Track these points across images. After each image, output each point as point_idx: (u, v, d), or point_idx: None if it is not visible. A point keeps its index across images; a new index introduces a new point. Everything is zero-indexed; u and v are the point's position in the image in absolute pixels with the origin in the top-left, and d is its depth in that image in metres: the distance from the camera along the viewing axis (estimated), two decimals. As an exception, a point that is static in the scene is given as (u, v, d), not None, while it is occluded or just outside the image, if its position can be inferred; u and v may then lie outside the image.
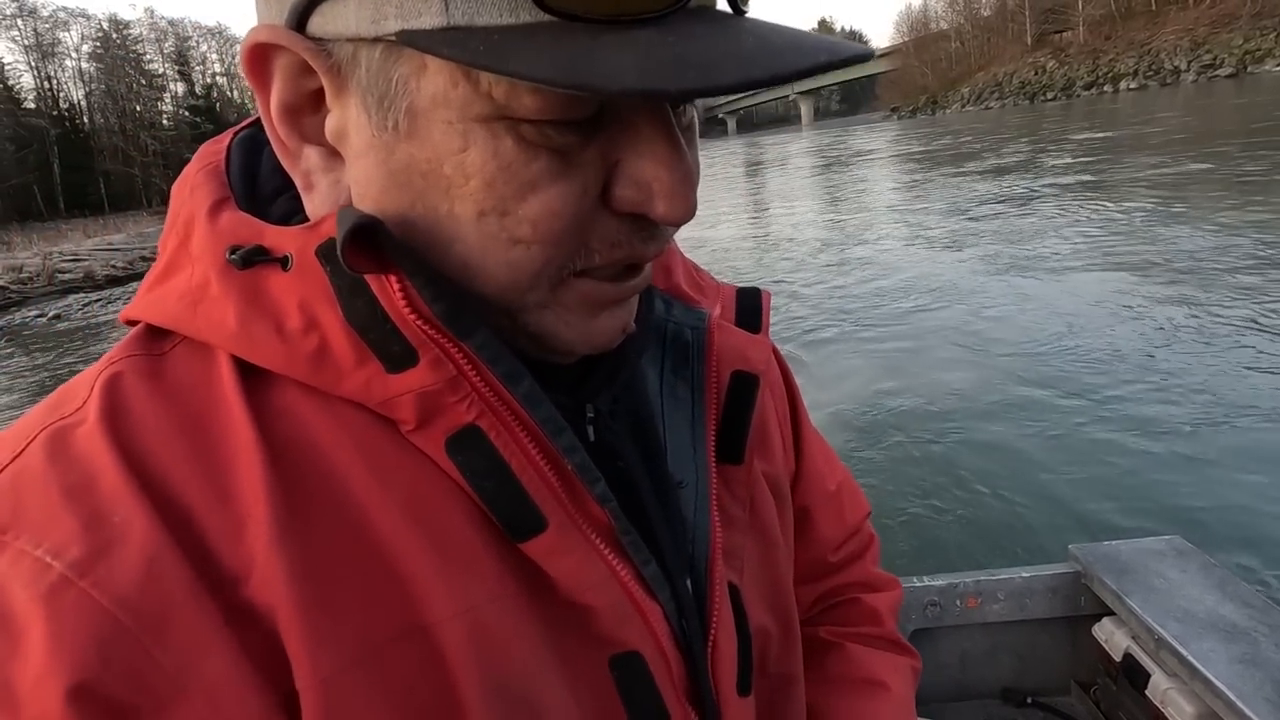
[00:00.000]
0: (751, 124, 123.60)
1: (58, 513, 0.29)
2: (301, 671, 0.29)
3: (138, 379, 0.33)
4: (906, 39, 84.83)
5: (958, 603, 1.62)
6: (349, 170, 0.33)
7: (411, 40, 0.28)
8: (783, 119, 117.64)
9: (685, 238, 0.51)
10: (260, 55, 0.32)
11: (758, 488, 0.49)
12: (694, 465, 0.43)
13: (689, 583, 0.41)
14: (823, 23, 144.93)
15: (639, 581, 0.37)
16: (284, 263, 0.33)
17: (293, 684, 0.29)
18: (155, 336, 0.35)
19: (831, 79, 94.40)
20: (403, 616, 0.31)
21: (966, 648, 1.67)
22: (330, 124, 0.33)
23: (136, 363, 0.34)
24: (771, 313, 0.50)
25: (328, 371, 0.32)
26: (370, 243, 0.30)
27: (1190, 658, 1.23)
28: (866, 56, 0.28)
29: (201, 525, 0.30)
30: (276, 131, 0.33)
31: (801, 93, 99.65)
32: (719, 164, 34.37)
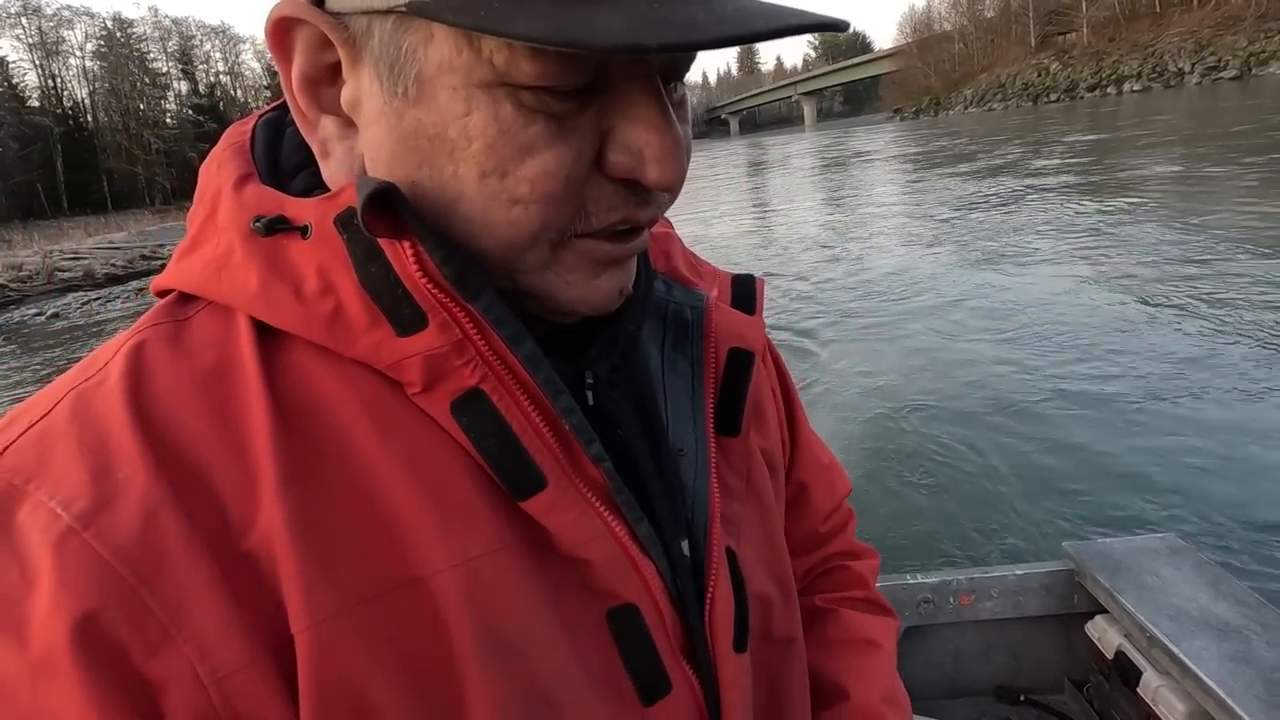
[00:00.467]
0: (755, 124, 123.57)
1: (71, 467, 0.31)
2: (297, 616, 0.30)
3: (159, 344, 0.35)
4: (910, 40, 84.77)
5: (951, 600, 1.62)
6: (362, 137, 0.35)
7: (419, 9, 0.30)
8: (786, 119, 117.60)
9: (684, 234, 0.54)
10: (283, 28, 0.34)
11: (754, 460, 0.51)
12: (694, 435, 0.46)
13: (686, 545, 0.43)
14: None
15: (632, 539, 0.39)
16: (304, 231, 0.35)
17: (288, 631, 0.30)
18: (182, 303, 0.37)
19: (835, 79, 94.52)
20: (399, 567, 0.32)
21: (960, 645, 1.67)
22: (346, 94, 0.35)
23: (160, 330, 0.36)
24: (769, 304, 0.50)
25: (341, 333, 0.34)
26: (386, 208, 0.32)
27: (1181, 655, 1.23)
28: (838, 26, 0.30)
29: (207, 478, 0.31)
30: (297, 102, 0.36)
31: (805, 94, 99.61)
32: (721, 164, 34.40)
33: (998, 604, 1.61)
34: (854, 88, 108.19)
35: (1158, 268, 6.06)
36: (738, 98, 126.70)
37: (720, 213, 14.75)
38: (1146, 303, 5.27)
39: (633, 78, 0.33)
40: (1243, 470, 3.10)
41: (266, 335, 0.35)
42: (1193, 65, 44.83)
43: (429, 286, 0.33)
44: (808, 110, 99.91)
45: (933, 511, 3.14)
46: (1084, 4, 59.16)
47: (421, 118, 0.32)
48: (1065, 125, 25.12)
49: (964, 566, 1.68)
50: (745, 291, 0.53)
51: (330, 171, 0.37)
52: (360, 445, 0.34)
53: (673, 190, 0.35)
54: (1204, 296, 5.18)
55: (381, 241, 0.33)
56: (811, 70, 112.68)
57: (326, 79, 0.35)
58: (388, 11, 0.31)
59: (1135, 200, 9.03)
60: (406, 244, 0.33)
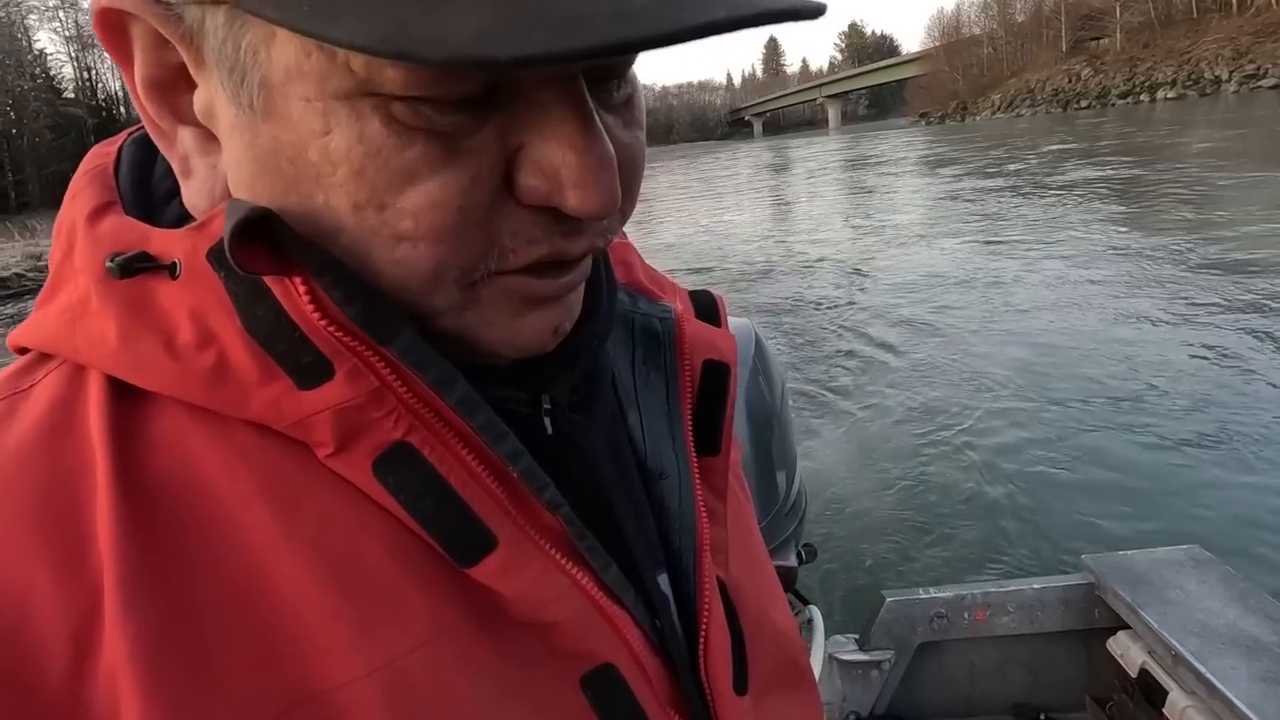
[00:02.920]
0: (778, 127, 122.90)
1: None
2: None
3: None
4: (938, 43, 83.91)
5: (965, 615, 1.58)
6: (223, 153, 0.30)
7: (241, 0, 0.24)
8: (810, 122, 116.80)
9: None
10: (113, 23, 0.28)
11: (734, 477, 0.47)
12: (675, 455, 0.42)
13: (667, 580, 0.39)
14: (853, 26, 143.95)
15: (600, 588, 0.34)
16: (172, 269, 0.29)
17: None
18: (34, 365, 0.32)
19: (861, 82, 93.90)
20: (295, 685, 0.26)
21: (975, 662, 1.63)
22: (198, 101, 0.29)
23: None
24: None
25: (228, 391, 0.28)
26: (267, 239, 0.27)
27: (1209, 675, 1.19)
28: (804, 13, 0.23)
29: (19, 614, 0.25)
30: (147, 111, 0.30)
31: (830, 96, 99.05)
32: (741, 163, 34.41)
33: (1015, 619, 1.57)
34: (879, 91, 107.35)
35: (1187, 279, 5.92)
36: (762, 99, 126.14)
37: (737, 210, 14.71)
38: (1176, 311, 5.16)
39: (544, 82, 0.27)
40: (1267, 481, 3.01)
41: (130, 399, 0.29)
42: (1230, 73, 43.87)
43: (330, 329, 0.28)
44: (832, 113, 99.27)
45: (946, 523, 3.08)
46: (1118, 9, 58.14)
47: (277, 135, 0.26)
48: (1100, 130, 24.70)
49: (979, 580, 1.64)
50: (707, 306, 0.49)
51: (191, 194, 0.31)
52: (250, 531, 0.28)
53: (603, 217, 0.29)
54: (1241, 308, 5.05)
55: (268, 278, 0.28)
56: (837, 73, 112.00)
57: (181, 82, 0.29)
58: (216, 2, 0.26)
59: (1186, 216, 8.84)
60: (298, 280, 0.27)
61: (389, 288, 0.29)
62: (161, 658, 0.25)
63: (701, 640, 0.38)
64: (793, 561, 1.47)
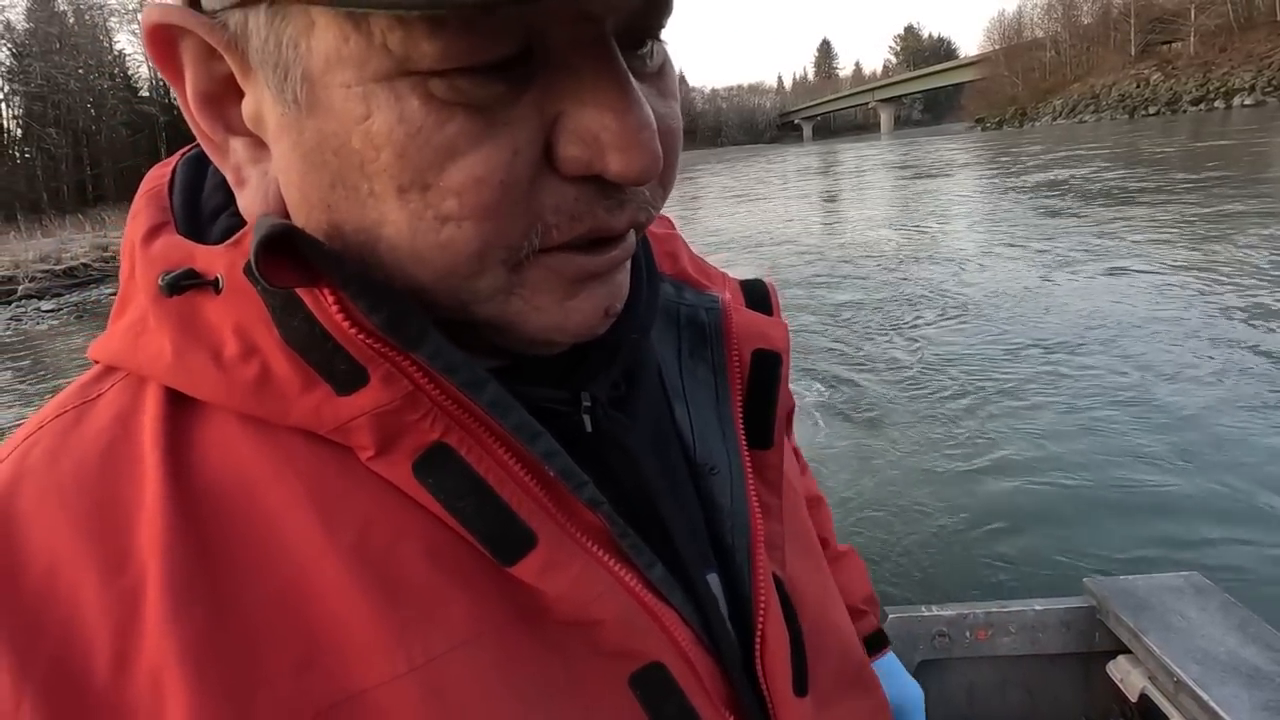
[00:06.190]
0: (829, 130, 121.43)
1: None
2: None
3: (51, 439, 0.31)
4: (997, 47, 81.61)
5: (967, 634, 1.58)
6: (273, 158, 0.30)
7: None
8: (862, 126, 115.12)
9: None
10: (163, 39, 0.29)
11: (789, 470, 0.45)
12: (725, 450, 0.41)
13: (718, 578, 0.38)
14: (909, 29, 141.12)
15: (646, 587, 0.34)
16: (215, 285, 0.30)
17: None
18: (102, 376, 0.34)
19: (915, 86, 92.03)
20: (334, 684, 0.27)
21: (975, 681, 1.62)
22: (246, 108, 0.30)
23: (60, 423, 0.32)
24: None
25: (272, 399, 0.30)
26: (293, 252, 0.28)
27: (1211, 703, 1.18)
28: None
29: (66, 614, 0.26)
30: (199, 124, 0.31)
31: (882, 100, 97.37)
32: (790, 164, 34.18)
33: (1015, 640, 1.56)
34: (934, 96, 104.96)
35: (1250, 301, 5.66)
36: (812, 102, 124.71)
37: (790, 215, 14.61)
38: (1187, 325, 4.95)
39: (578, 45, 0.27)
40: (1266, 509, 2.90)
41: (185, 409, 0.31)
42: (1315, 78, 41.54)
43: (361, 338, 0.29)
44: (885, 118, 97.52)
45: (948, 541, 3.03)
46: (1193, 11, 55.59)
47: (321, 128, 0.27)
48: (1171, 136, 23.69)
49: (981, 600, 1.63)
50: (759, 295, 0.48)
51: (245, 203, 0.32)
52: (295, 536, 0.29)
53: (646, 181, 0.28)
54: (1253, 320, 4.82)
55: (299, 290, 0.29)
56: (891, 76, 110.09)
57: (231, 93, 0.30)
58: (257, 1, 0.26)
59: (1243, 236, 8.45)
60: (326, 290, 0.28)
61: (435, 277, 0.29)
62: (209, 659, 0.26)
63: (758, 640, 0.37)
64: None
